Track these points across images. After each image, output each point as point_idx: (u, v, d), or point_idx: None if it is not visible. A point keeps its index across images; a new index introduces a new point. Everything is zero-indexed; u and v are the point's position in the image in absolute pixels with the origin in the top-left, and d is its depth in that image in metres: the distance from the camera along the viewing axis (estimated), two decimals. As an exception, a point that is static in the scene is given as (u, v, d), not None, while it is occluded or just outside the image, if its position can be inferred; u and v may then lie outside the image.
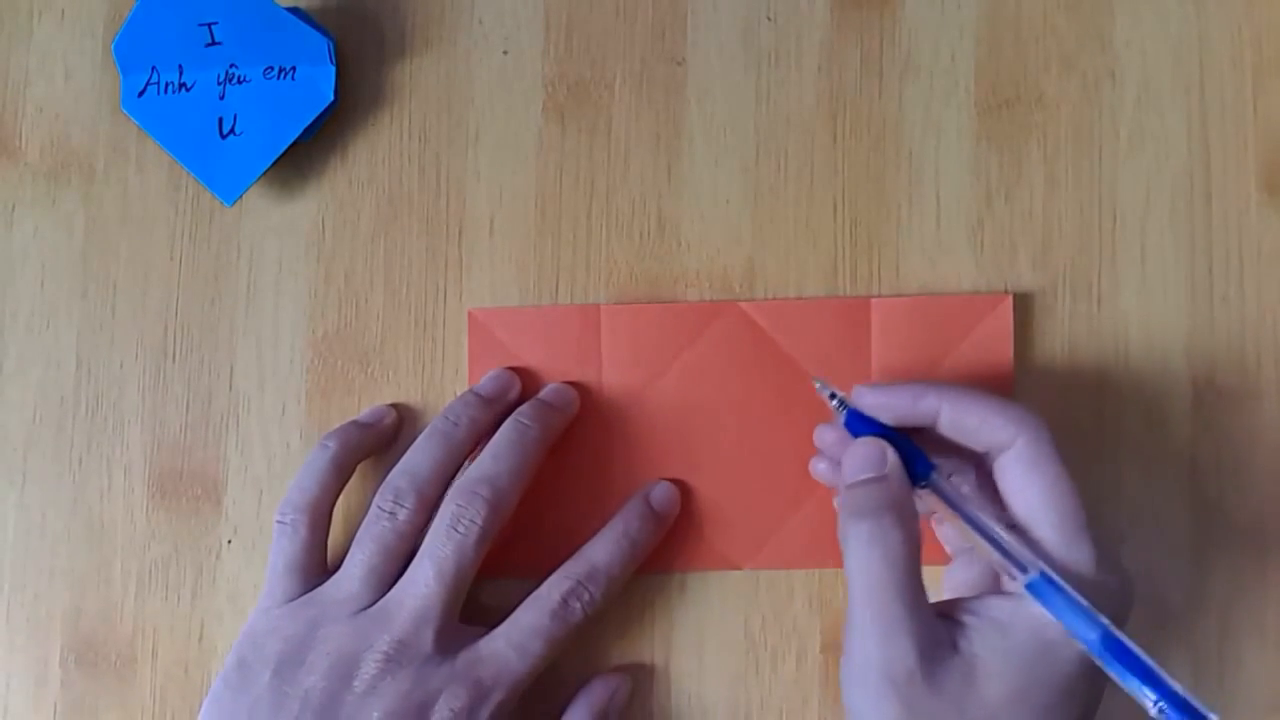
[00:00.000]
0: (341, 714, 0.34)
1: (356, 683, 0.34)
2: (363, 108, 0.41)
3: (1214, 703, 0.37)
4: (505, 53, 0.41)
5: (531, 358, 0.39)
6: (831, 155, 0.40)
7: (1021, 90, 0.40)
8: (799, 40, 0.40)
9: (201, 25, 0.39)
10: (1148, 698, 0.28)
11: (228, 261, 0.41)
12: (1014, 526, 0.32)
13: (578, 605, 0.36)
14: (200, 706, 0.36)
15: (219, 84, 0.40)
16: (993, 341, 0.38)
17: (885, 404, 0.33)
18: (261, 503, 0.40)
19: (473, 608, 0.38)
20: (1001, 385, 0.38)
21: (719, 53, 0.41)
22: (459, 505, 0.36)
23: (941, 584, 0.36)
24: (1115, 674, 0.28)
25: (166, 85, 0.39)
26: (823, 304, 0.39)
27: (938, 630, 0.30)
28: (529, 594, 0.37)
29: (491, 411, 0.38)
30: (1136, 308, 0.39)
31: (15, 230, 0.42)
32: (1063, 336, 0.39)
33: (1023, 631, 0.30)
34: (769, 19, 0.41)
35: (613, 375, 0.39)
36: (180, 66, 0.39)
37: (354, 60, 0.41)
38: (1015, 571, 0.30)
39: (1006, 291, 0.39)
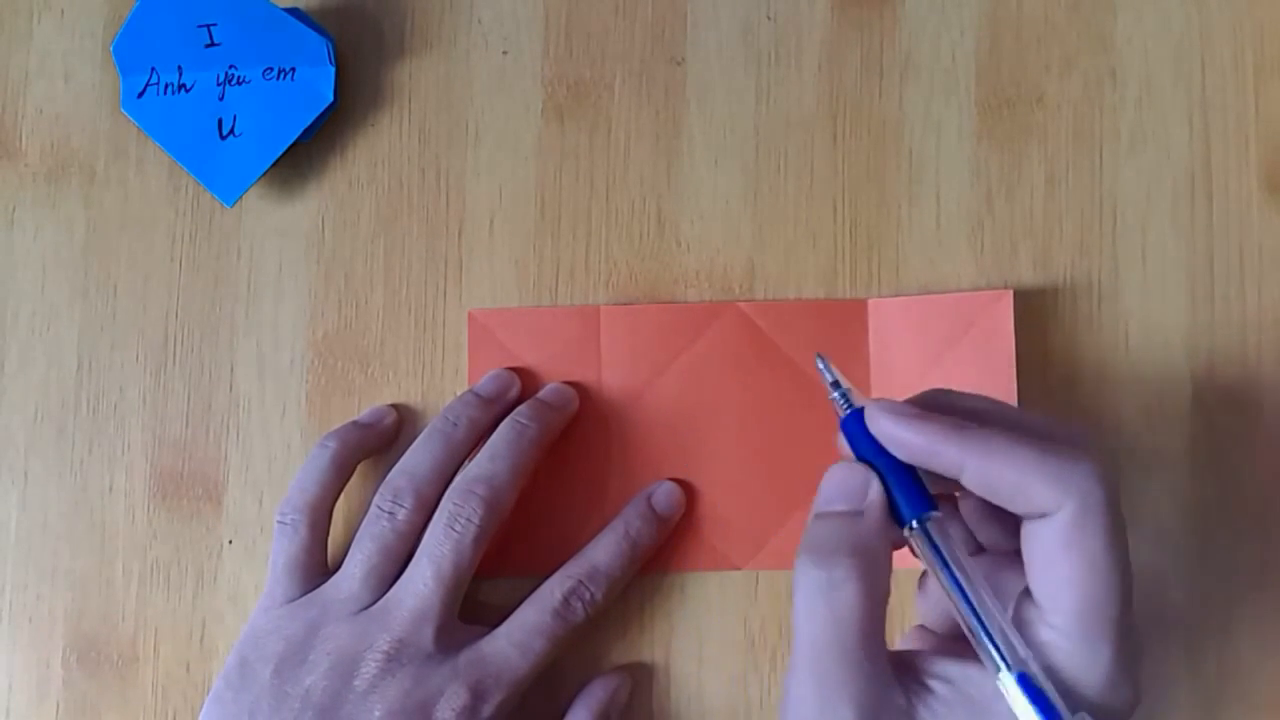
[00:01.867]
0: (342, 713, 0.34)
1: (357, 682, 0.35)
2: (362, 108, 0.41)
3: (1214, 702, 0.37)
4: (505, 53, 0.41)
5: (531, 358, 0.39)
6: (831, 155, 0.40)
7: (1022, 90, 0.39)
8: (799, 40, 0.40)
9: (201, 26, 0.39)
10: None
11: (228, 262, 0.41)
12: (1023, 602, 0.27)
13: (579, 605, 0.36)
14: (201, 706, 0.36)
15: (218, 85, 0.40)
16: (994, 338, 0.38)
17: (899, 440, 0.27)
18: (262, 503, 0.40)
19: (473, 607, 0.38)
20: (1002, 383, 0.37)
21: (719, 52, 0.41)
22: (456, 504, 0.36)
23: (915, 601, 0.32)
24: None
25: (166, 86, 0.40)
26: (821, 305, 0.39)
27: (890, 696, 0.26)
28: (529, 594, 0.37)
29: (491, 412, 0.38)
30: (1136, 307, 0.39)
31: (16, 231, 0.42)
32: (1063, 336, 0.39)
33: (998, 718, 0.25)
34: (769, 18, 0.40)
35: (612, 376, 0.39)
36: (180, 67, 0.39)
37: (353, 60, 0.41)
38: (995, 665, 0.25)
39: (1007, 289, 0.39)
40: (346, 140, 0.41)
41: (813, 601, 0.26)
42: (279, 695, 0.35)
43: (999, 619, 0.25)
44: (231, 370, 0.41)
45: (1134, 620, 0.26)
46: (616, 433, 0.39)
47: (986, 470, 0.26)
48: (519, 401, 0.39)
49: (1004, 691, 0.25)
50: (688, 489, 0.38)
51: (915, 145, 0.40)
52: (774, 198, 0.40)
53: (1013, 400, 0.37)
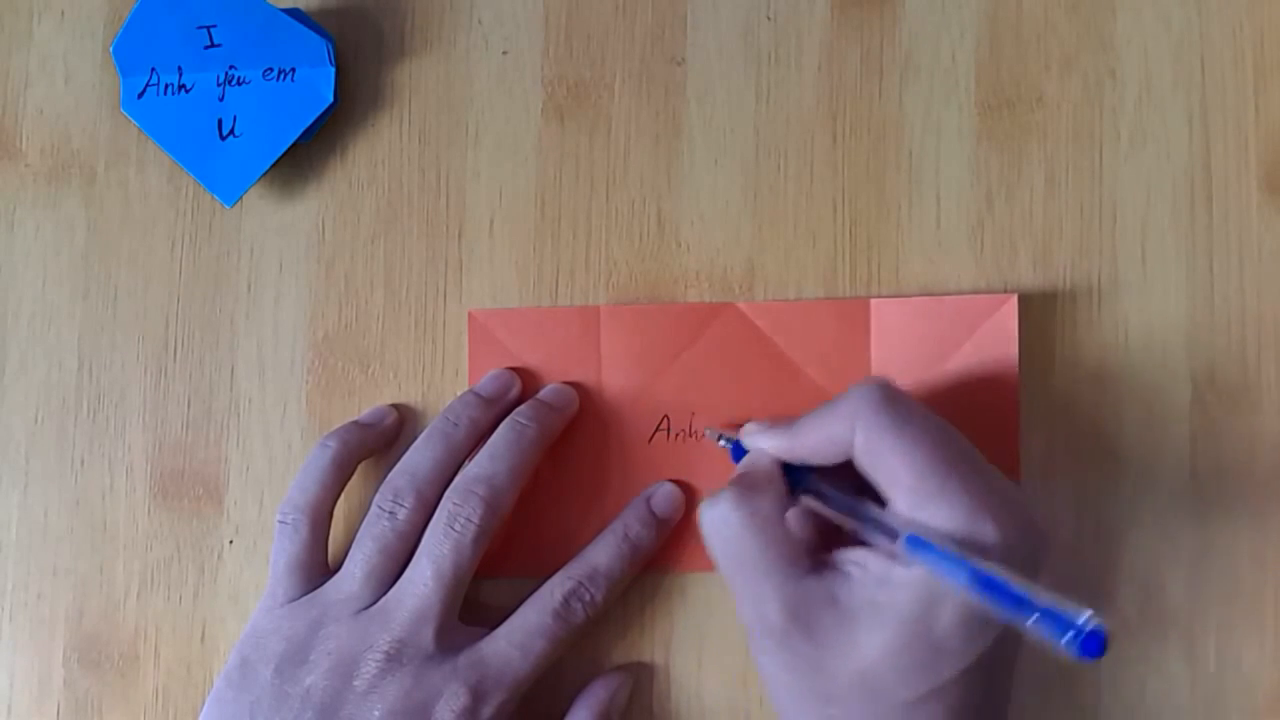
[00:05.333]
0: (343, 713, 0.34)
1: (357, 682, 0.35)
2: (362, 108, 0.41)
3: (1214, 702, 0.37)
4: (505, 53, 0.41)
5: (531, 358, 0.39)
6: (831, 155, 0.40)
7: (1021, 90, 0.39)
8: (799, 40, 0.40)
9: (200, 27, 0.39)
10: (1024, 617, 0.28)
11: (228, 263, 0.41)
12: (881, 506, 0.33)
13: (579, 606, 0.36)
14: (202, 705, 0.37)
15: (218, 85, 0.40)
16: (997, 342, 0.38)
17: (760, 446, 0.35)
18: (263, 503, 0.40)
19: (473, 608, 0.38)
20: (1005, 387, 0.37)
21: (719, 53, 0.40)
22: (455, 504, 0.36)
23: None
24: (991, 605, 0.29)
25: (166, 87, 0.40)
26: (822, 305, 0.39)
27: (808, 588, 0.32)
28: (529, 594, 0.37)
29: (491, 412, 0.38)
30: (1136, 308, 0.39)
31: (16, 232, 0.42)
32: (1063, 336, 0.39)
33: (902, 588, 0.30)
34: (769, 19, 0.40)
35: (612, 376, 0.39)
36: (180, 68, 0.40)
37: (354, 61, 0.41)
38: (887, 540, 0.31)
39: (1007, 291, 0.39)
40: (346, 140, 0.41)
41: (711, 535, 0.33)
42: (279, 695, 0.35)
43: (877, 513, 0.32)
44: (232, 370, 0.41)
45: (970, 469, 0.31)
46: (616, 433, 0.39)
47: (801, 444, 0.33)
48: (519, 401, 0.39)
49: (904, 553, 0.30)
50: (687, 490, 0.38)
51: (915, 145, 0.40)
52: (774, 198, 0.40)
53: (1014, 402, 0.37)
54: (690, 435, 0.39)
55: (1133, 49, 0.39)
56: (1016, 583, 0.28)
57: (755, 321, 0.39)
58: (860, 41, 0.40)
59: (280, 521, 0.38)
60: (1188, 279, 0.39)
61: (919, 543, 0.30)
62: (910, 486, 0.31)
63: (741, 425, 0.36)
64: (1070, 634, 0.27)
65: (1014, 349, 0.37)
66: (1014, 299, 0.38)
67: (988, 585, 0.28)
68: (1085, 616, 0.27)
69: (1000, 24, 0.40)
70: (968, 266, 0.39)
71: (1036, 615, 0.27)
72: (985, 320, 0.38)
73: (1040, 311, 0.39)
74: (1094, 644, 0.27)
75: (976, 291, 0.39)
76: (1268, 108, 0.39)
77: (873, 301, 0.38)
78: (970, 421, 0.37)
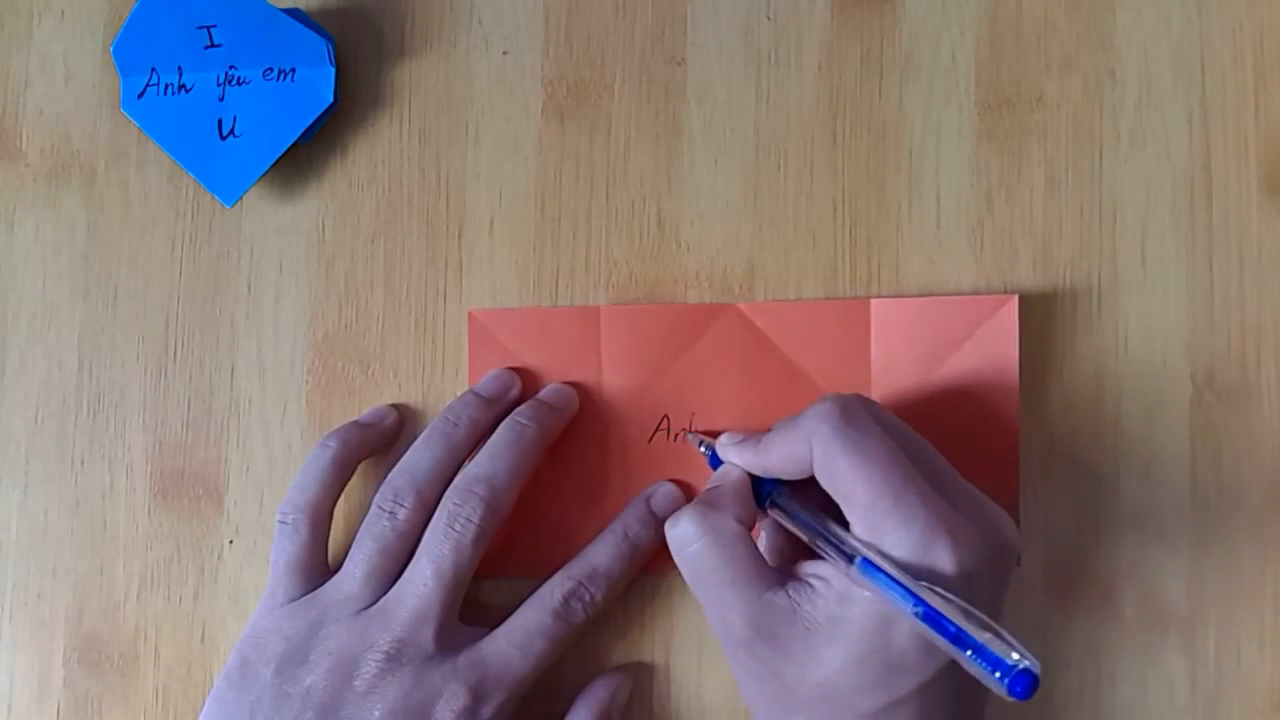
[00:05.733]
0: (343, 713, 0.34)
1: (357, 681, 0.35)
2: (362, 108, 0.41)
3: (1214, 702, 0.37)
4: (505, 53, 0.41)
5: (531, 358, 0.39)
6: (831, 155, 0.40)
7: (1021, 90, 0.39)
8: (799, 40, 0.40)
9: (200, 28, 0.39)
10: (960, 651, 0.28)
11: (228, 263, 0.41)
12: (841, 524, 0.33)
13: (579, 606, 0.36)
14: (202, 705, 0.37)
15: (218, 85, 0.40)
16: (997, 343, 0.38)
17: (732, 459, 0.35)
18: (263, 503, 0.40)
19: (473, 608, 0.38)
20: (1005, 387, 0.37)
21: (719, 52, 0.40)
22: (455, 504, 0.36)
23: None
24: (935, 638, 0.29)
25: (166, 87, 0.40)
26: (822, 305, 0.39)
27: (770, 601, 0.32)
28: (529, 594, 0.37)
29: (491, 412, 0.38)
30: (1136, 308, 0.39)
31: (17, 232, 0.42)
32: (1063, 336, 0.39)
33: (860, 603, 0.31)
34: (769, 18, 0.40)
35: (612, 376, 0.39)
36: (180, 68, 0.40)
37: (354, 61, 0.41)
38: (844, 562, 0.31)
39: (1007, 292, 0.39)
40: (346, 140, 0.41)
41: (677, 552, 0.34)
42: (279, 695, 0.35)
43: (835, 533, 0.32)
44: (232, 370, 0.41)
45: (931, 487, 0.31)
46: (616, 433, 0.39)
47: (775, 459, 0.33)
48: (519, 401, 0.39)
49: (857, 578, 0.30)
50: (687, 490, 0.38)
51: (915, 145, 0.40)
52: (774, 198, 0.40)
53: (1014, 403, 0.37)
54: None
55: (1133, 49, 0.39)
56: (955, 617, 0.28)
57: (755, 322, 0.39)
58: (860, 41, 0.40)
59: (280, 521, 0.38)
60: (1188, 279, 0.39)
61: (870, 568, 0.30)
62: (866, 506, 0.31)
63: (721, 434, 0.36)
64: (1000, 673, 0.27)
65: (1014, 349, 0.37)
66: (1014, 299, 0.38)
67: (928, 617, 0.29)
68: (1016, 657, 0.27)
69: (1000, 24, 0.40)
70: (968, 266, 0.39)
71: (970, 651, 0.28)
72: (985, 320, 0.38)
73: (1040, 312, 0.39)
74: (1023, 684, 0.27)
75: (976, 292, 0.39)
76: (1268, 108, 0.39)
77: (873, 301, 0.39)
78: (970, 422, 0.37)
